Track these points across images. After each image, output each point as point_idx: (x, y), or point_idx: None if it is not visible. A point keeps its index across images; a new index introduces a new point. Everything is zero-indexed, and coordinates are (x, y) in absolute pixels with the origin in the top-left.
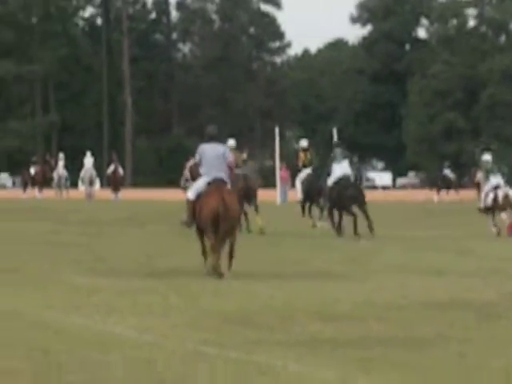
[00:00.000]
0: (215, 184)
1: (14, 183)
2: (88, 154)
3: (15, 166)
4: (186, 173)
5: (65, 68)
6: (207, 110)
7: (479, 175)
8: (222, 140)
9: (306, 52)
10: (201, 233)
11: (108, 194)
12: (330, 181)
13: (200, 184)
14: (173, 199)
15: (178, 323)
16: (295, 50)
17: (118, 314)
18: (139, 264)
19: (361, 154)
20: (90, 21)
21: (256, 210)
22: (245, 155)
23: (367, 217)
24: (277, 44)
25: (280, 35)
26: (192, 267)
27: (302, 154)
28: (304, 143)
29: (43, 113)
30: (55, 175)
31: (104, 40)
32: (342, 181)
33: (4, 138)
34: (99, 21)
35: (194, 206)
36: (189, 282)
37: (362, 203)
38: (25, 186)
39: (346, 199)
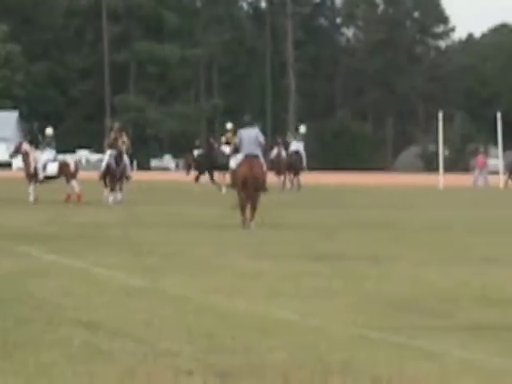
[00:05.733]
0: (248, 157)
1: (177, 166)
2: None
3: (178, 148)
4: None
5: (229, 51)
6: (371, 93)
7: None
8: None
9: (470, 36)
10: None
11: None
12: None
13: (239, 157)
14: (336, 183)
15: (342, 307)
16: (459, 35)
17: (281, 297)
18: (302, 248)
19: None
20: (254, 4)
21: None
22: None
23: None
24: (441, 28)
25: (444, 19)
26: (356, 251)
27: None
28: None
29: (207, 96)
30: None
31: (268, 24)
32: None
33: (168, 121)
34: (263, 4)
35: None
36: (352, 266)
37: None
38: (188, 168)
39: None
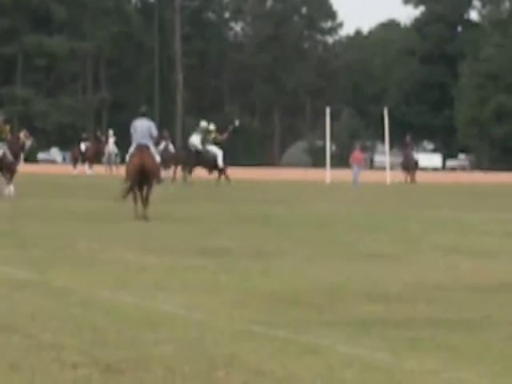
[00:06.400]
0: (140, 147)
1: (64, 159)
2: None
3: (65, 141)
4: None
5: (116, 45)
6: (258, 88)
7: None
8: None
9: (357, 32)
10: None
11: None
12: None
13: (131, 149)
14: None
15: (227, 302)
16: (347, 31)
17: (166, 291)
18: (188, 242)
19: (411, 134)
20: None
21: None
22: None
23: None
24: (329, 24)
25: (332, 15)
26: (241, 246)
27: None
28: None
29: (94, 89)
30: (105, 152)
31: (156, 17)
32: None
33: (55, 114)
34: None
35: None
36: (238, 261)
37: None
38: (75, 161)
39: None
